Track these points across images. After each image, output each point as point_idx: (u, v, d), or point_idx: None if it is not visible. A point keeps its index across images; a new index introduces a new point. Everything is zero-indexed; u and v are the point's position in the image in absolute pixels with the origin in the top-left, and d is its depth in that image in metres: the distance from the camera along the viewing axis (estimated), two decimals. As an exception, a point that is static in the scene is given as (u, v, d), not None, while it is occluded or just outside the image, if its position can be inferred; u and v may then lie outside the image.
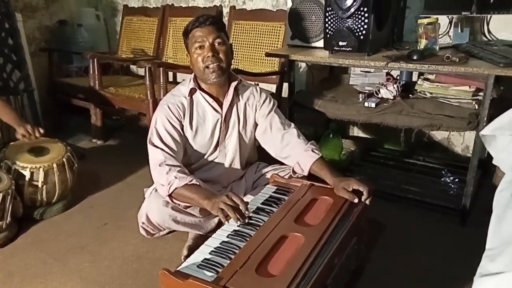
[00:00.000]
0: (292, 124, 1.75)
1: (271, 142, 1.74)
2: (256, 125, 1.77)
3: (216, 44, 1.59)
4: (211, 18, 1.61)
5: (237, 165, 1.79)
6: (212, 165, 1.76)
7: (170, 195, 1.54)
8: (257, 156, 1.92)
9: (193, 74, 1.71)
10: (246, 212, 1.35)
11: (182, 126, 1.67)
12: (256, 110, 1.75)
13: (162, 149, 1.58)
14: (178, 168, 1.55)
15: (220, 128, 1.71)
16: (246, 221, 1.34)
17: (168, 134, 1.62)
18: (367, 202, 1.44)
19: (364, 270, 1.58)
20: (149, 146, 1.62)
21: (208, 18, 1.60)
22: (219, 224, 1.72)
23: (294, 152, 1.66)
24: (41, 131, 2.04)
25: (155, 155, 1.59)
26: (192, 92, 1.68)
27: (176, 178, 1.50)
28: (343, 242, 1.26)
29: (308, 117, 2.28)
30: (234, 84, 1.69)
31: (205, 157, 1.75)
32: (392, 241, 1.78)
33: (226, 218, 1.34)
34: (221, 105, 1.70)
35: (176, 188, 1.50)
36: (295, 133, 1.71)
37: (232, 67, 2.33)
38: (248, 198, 1.68)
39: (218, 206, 1.36)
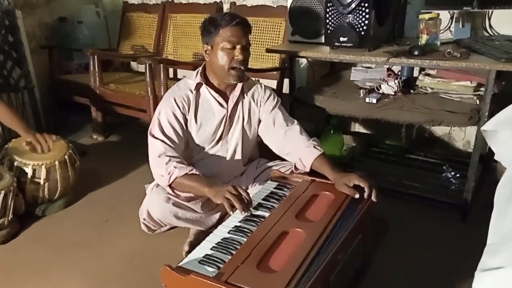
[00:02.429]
0: (295, 121, 1.76)
1: (274, 138, 1.74)
2: (259, 121, 1.78)
3: (245, 49, 1.61)
4: (246, 22, 1.61)
5: (238, 160, 1.79)
6: (213, 159, 1.77)
7: (170, 186, 1.54)
8: (258, 153, 1.93)
9: (201, 67, 1.71)
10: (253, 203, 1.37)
11: (186, 120, 1.67)
12: (260, 106, 1.76)
13: (162, 141, 1.59)
14: (178, 159, 1.56)
15: (225, 123, 1.72)
16: (250, 213, 1.35)
17: (171, 126, 1.62)
18: (374, 199, 1.43)
19: (369, 268, 1.58)
20: (150, 138, 1.62)
21: (244, 21, 1.60)
22: (220, 220, 1.72)
23: (296, 149, 1.66)
24: (53, 137, 2.03)
25: (155, 146, 1.59)
26: (198, 86, 1.69)
27: (176, 168, 1.51)
28: (348, 239, 1.26)
29: (309, 113, 2.27)
30: (242, 83, 1.70)
31: (206, 149, 1.75)
32: (393, 237, 1.78)
33: (231, 208, 1.34)
34: (227, 100, 1.71)
35: (176, 178, 1.50)
36: (298, 130, 1.71)
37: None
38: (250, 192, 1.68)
39: (223, 195, 1.36)
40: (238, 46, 1.58)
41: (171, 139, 1.61)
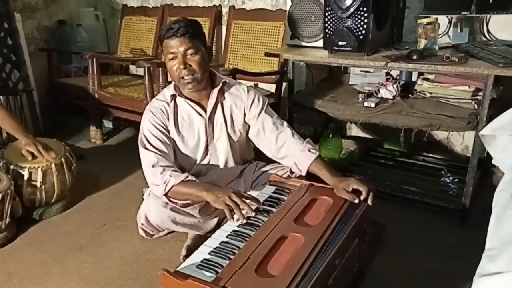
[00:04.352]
0: (285, 123, 1.72)
1: (266, 144, 1.71)
2: (246, 124, 1.74)
3: (189, 55, 1.55)
4: (183, 28, 1.52)
5: (231, 165, 1.77)
6: (207, 169, 1.75)
7: (166, 194, 1.53)
8: (253, 153, 1.89)
9: None
10: (253, 207, 1.37)
11: (168, 130, 1.66)
12: (245, 113, 1.72)
13: (153, 152, 1.58)
14: (172, 168, 1.55)
15: (206, 131, 1.69)
16: (253, 214, 1.36)
17: (156, 138, 1.61)
18: (370, 202, 1.42)
19: (367, 272, 1.58)
20: (141, 150, 1.61)
21: (180, 28, 1.52)
22: (218, 225, 1.72)
23: (290, 153, 1.64)
24: (53, 155, 2.00)
25: (147, 158, 1.58)
26: (173, 97, 1.67)
27: (171, 176, 1.50)
28: (345, 244, 1.25)
29: (307, 117, 2.28)
30: (217, 88, 1.66)
31: (198, 162, 1.73)
32: (392, 241, 1.78)
33: (231, 214, 1.34)
34: (204, 108, 1.68)
35: (172, 186, 1.50)
36: (289, 133, 1.68)
37: (231, 66, 2.32)
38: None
39: (224, 201, 1.37)
40: (178, 56, 1.54)
41: (161, 149, 1.59)
